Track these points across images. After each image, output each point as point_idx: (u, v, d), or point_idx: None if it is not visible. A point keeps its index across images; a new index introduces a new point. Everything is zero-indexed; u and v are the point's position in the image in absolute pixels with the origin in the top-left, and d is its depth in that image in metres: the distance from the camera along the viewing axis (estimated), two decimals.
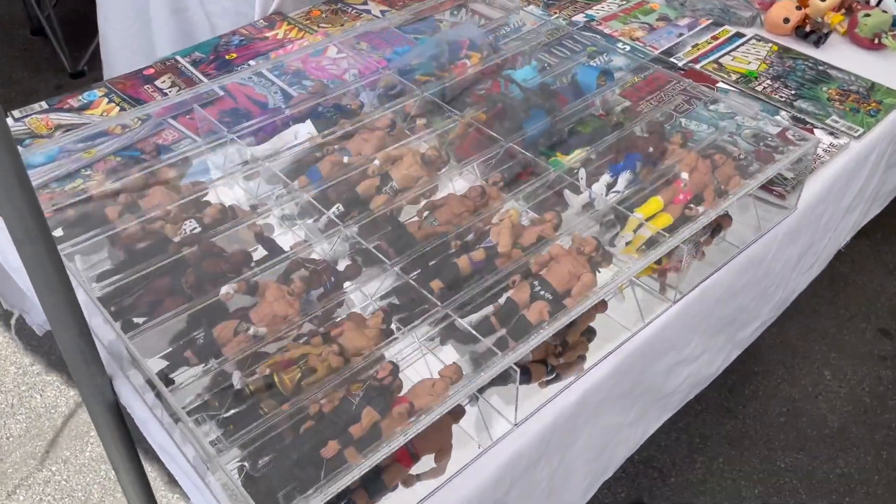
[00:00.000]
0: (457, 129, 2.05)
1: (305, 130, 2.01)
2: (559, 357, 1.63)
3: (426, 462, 1.48)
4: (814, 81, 2.37)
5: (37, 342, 3.20)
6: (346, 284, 1.67)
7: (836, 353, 3.17)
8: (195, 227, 1.71)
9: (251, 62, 2.48)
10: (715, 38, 2.60)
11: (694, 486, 2.73)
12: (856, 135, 2.16)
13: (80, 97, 2.32)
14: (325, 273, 1.62)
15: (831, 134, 2.15)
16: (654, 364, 1.75)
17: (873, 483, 2.73)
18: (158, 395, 1.54)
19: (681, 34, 2.62)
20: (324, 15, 2.75)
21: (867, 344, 3.20)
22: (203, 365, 1.52)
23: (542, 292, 1.58)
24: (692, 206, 1.80)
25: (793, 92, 2.32)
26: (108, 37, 3.56)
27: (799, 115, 2.22)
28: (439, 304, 1.55)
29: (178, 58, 2.52)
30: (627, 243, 1.80)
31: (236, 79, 2.27)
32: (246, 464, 1.35)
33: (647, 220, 1.78)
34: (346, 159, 1.91)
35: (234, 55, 2.53)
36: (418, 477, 1.47)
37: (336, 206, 1.84)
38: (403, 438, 1.30)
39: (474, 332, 1.53)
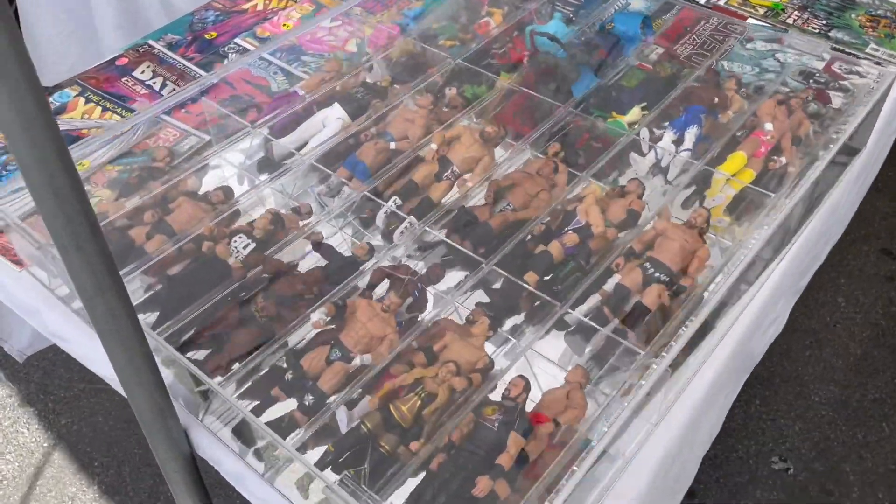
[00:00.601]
0: (496, 97, 1.86)
1: (335, 115, 1.79)
2: None
3: None
4: (840, 9, 2.27)
5: (10, 371, 2.90)
6: (430, 289, 1.50)
7: (844, 278, 3.17)
8: (248, 244, 1.49)
9: (236, 40, 2.22)
10: None
11: (736, 433, 2.69)
12: None
13: (51, 99, 2.02)
14: (411, 280, 1.43)
15: (878, 63, 2.06)
16: (757, 333, 1.65)
17: None
18: (246, 442, 1.35)
19: None
20: None
21: (872, 266, 3.21)
22: (296, 402, 1.33)
23: (655, 274, 1.44)
24: (775, 157, 1.68)
25: (823, 22, 2.22)
26: (30, 20, 3.13)
27: (837, 47, 2.12)
28: (557, 302, 1.39)
29: (152, 42, 2.22)
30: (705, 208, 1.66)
31: (241, 66, 2.00)
32: None
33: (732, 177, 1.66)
34: (392, 145, 1.71)
35: (214, 34, 2.25)
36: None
37: (392, 199, 1.64)
38: (580, 471, 1.15)
39: (595, 324, 1.38)
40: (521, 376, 1.30)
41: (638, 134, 1.77)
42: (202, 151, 1.81)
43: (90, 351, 1.52)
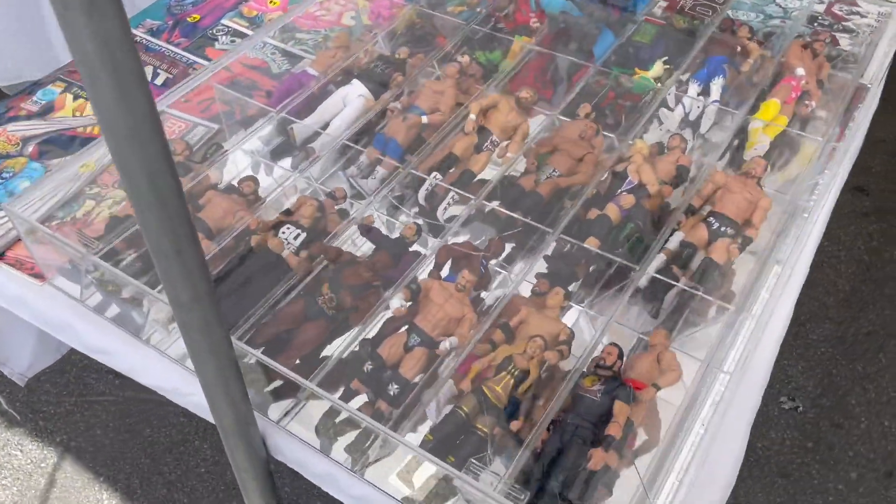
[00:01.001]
0: (520, 60, 1.81)
1: (356, 93, 1.70)
2: None
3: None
4: None
5: None
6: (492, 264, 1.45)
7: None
8: (298, 234, 1.41)
9: (223, 21, 2.10)
10: None
11: None
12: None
13: (34, 98, 1.87)
14: (486, 255, 1.38)
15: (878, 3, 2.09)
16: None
17: None
18: (329, 440, 1.29)
19: None
20: None
21: (847, 204, 3.30)
22: (378, 393, 1.27)
23: (721, 228, 1.43)
24: (807, 102, 1.69)
25: None
26: None
27: None
28: (634, 266, 1.36)
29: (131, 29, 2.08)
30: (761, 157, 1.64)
31: (245, 50, 1.89)
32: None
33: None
34: (424, 119, 1.64)
35: (197, 16, 2.13)
36: (635, 453, 1.31)
37: (433, 174, 1.58)
38: (700, 433, 1.13)
39: (670, 280, 1.36)
40: (613, 344, 1.27)
41: (666, 91, 1.75)
42: (216, 141, 1.72)
43: (136, 362, 1.43)
